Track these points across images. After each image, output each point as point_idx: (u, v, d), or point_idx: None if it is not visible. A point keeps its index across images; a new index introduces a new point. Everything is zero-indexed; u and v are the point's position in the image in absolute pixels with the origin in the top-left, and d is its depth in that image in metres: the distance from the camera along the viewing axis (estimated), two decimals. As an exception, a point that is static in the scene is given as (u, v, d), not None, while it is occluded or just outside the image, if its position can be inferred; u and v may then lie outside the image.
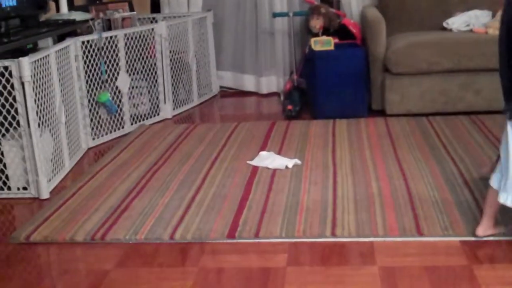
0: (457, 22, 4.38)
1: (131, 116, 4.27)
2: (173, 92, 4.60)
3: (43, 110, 3.22)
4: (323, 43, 4.28)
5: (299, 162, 3.36)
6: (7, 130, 3.14)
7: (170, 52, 4.53)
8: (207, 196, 2.98)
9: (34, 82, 3.10)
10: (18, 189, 3.20)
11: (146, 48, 4.34)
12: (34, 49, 3.63)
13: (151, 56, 4.38)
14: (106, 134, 4.07)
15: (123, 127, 4.19)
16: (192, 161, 3.50)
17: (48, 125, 3.28)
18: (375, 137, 3.74)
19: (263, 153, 3.53)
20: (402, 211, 2.69)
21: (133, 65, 4.22)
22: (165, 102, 4.52)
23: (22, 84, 3.04)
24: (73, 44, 3.72)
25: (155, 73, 4.41)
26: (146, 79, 4.35)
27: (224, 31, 5.31)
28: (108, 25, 4.37)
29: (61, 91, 3.47)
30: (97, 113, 4.02)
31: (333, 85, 4.18)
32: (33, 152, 3.12)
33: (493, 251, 2.36)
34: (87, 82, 3.87)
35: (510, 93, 2.26)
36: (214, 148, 3.71)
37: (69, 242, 2.61)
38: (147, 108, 4.42)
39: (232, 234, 2.56)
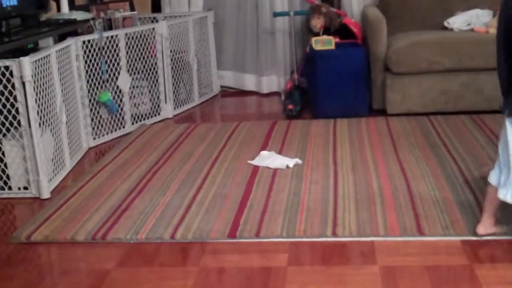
0: (458, 22, 4.38)
1: (132, 115, 4.27)
2: (174, 92, 4.60)
3: (44, 110, 3.22)
4: (324, 43, 4.28)
5: (300, 161, 3.36)
6: (8, 130, 3.14)
7: (171, 51, 4.53)
8: (208, 195, 2.98)
9: (35, 82, 3.10)
10: (19, 188, 3.21)
11: (147, 48, 4.34)
12: (35, 48, 3.63)
13: (152, 56, 4.38)
14: (107, 133, 4.07)
15: (124, 127, 4.19)
16: (193, 161, 3.50)
17: (49, 125, 3.28)
18: (376, 137, 3.74)
19: (264, 152, 3.53)
20: (403, 210, 2.68)
21: (134, 64, 4.22)
22: (166, 102, 4.52)
23: (23, 83, 3.04)
24: (74, 44, 3.73)
25: (156, 72, 4.42)
26: (147, 79, 4.35)
27: (225, 31, 5.31)
28: (109, 25, 4.37)
29: (62, 90, 3.47)
30: (98, 112, 4.02)
31: (334, 84, 4.18)
32: (34, 152, 3.12)
33: (494, 250, 2.35)
34: (88, 81, 3.87)
35: (508, 91, 2.26)
36: (215, 147, 3.71)
37: (70, 241, 2.61)
38: (148, 108, 4.42)
39: (233, 234, 2.56)
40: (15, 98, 3.06)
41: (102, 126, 4.05)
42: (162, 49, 4.41)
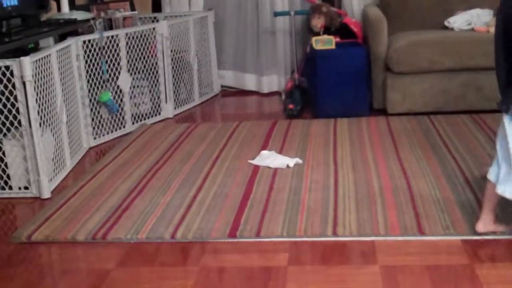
0: (458, 21, 4.37)
1: (132, 115, 4.27)
2: (174, 92, 4.60)
3: (45, 110, 3.22)
4: (324, 42, 4.28)
5: (300, 161, 3.36)
6: (8, 129, 3.14)
7: (171, 51, 4.53)
8: (208, 195, 2.98)
9: (35, 82, 3.10)
10: (20, 188, 3.21)
11: (147, 48, 4.34)
12: (36, 48, 3.63)
13: (152, 56, 4.38)
14: (107, 133, 4.08)
15: (124, 127, 4.20)
16: (193, 161, 3.50)
17: (49, 125, 3.28)
18: (376, 136, 3.74)
19: (264, 152, 3.53)
20: (404, 210, 2.68)
21: (134, 64, 4.22)
22: (166, 102, 4.52)
23: (24, 83, 3.04)
24: (74, 44, 3.73)
25: (156, 72, 4.42)
26: (147, 79, 4.35)
27: (225, 30, 5.31)
28: (109, 25, 4.38)
29: (62, 90, 3.47)
30: (98, 112, 4.02)
31: (335, 84, 4.18)
32: (35, 152, 3.12)
33: (494, 250, 2.36)
34: (88, 81, 3.87)
35: (506, 88, 2.27)
36: (215, 147, 3.71)
37: (70, 241, 2.62)
38: (148, 108, 4.42)
39: (233, 234, 2.56)
40: (15, 98, 3.06)
41: (102, 126, 4.05)
42: (163, 49, 4.41)
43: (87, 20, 4.22)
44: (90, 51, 3.86)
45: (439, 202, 2.74)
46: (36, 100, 3.12)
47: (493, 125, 3.75)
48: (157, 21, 4.75)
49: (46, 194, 3.15)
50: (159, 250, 2.50)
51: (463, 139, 3.57)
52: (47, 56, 3.28)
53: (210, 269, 2.34)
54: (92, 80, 3.90)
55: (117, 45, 4.04)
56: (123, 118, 4.18)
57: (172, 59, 4.52)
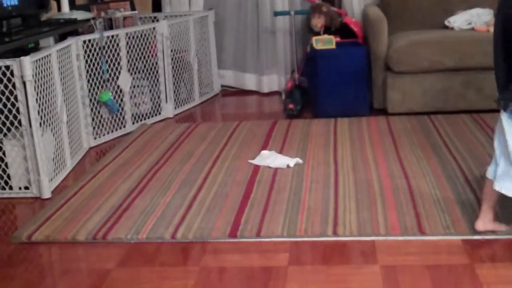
0: (458, 21, 4.37)
1: (132, 115, 4.27)
2: (174, 91, 4.60)
3: (45, 110, 3.22)
4: (324, 42, 4.28)
5: (300, 161, 3.36)
6: (8, 129, 3.14)
7: (172, 51, 4.53)
8: (209, 195, 2.98)
9: (35, 82, 3.10)
10: (20, 188, 3.21)
11: (148, 47, 4.34)
12: (36, 48, 3.63)
13: (152, 55, 4.38)
14: (108, 133, 4.07)
15: (124, 127, 4.20)
16: (193, 160, 3.50)
17: (49, 125, 3.28)
18: (376, 136, 3.74)
19: (264, 152, 3.53)
20: (404, 209, 2.68)
21: (134, 64, 4.22)
22: (166, 101, 4.52)
23: (24, 83, 3.04)
24: (75, 44, 3.72)
25: (157, 72, 4.42)
26: (147, 78, 4.35)
27: (225, 30, 5.31)
28: (110, 24, 4.37)
29: (62, 90, 3.47)
30: (99, 112, 4.02)
31: (335, 84, 4.18)
32: (35, 152, 3.12)
33: (494, 250, 2.36)
34: (88, 81, 3.87)
35: (505, 85, 2.27)
36: (216, 147, 3.71)
37: (70, 241, 2.62)
38: (148, 107, 4.42)
39: (234, 233, 2.56)
40: (15, 98, 3.06)
41: (102, 125, 4.05)
42: (163, 49, 4.41)
43: (87, 20, 4.22)
44: (90, 51, 3.86)
45: (440, 202, 2.74)
46: (37, 100, 3.12)
47: (493, 124, 3.71)
48: (157, 20, 4.75)
49: (47, 194, 3.15)
50: (160, 250, 2.50)
51: (463, 139, 3.57)
52: (47, 56, 3.28)
53: (211, 269, 2.34)
54: (92, 80, 3.90)
55: (117, 44, 4.04)
56: (123, 118, 4.18)
57: (172, 59, 4.52)
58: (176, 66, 4.60)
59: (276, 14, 4.87)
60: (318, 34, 4.49)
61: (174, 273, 2.33)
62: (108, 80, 4.01)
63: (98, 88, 3.95)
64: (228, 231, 2.58)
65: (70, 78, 3.65)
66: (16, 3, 3.62)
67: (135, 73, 4.24)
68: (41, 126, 3.17)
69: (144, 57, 4.31)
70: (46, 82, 3.26)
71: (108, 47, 3.98)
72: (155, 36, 4.37)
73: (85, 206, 2.94)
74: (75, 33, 4.03)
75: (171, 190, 3.07)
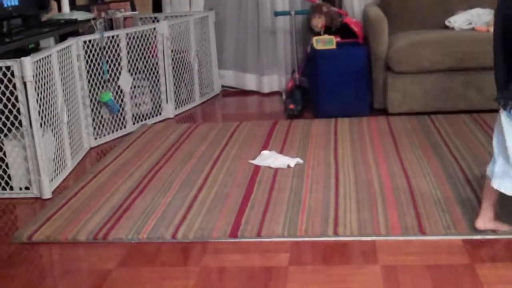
0: (459, 21, 4.37)
1: (133, 115, 4.27)
2: (175, 92, 4.60)
3: (45, 110, 3.23)
4: (325, 42, 4.28)
5: (301, 161, 3.36)
6: (9, 130, 3.15)
7: (172, 51, 4.53)
8: (209, 195, 2.98)
9: (36, 82, 3.10)
10: (21, 189, 3.21)
11: (148, 48, 4.34)
12: (36, 49, 3.63)
13: (153, 56, 4.38)
14: (108, 133, 4.08)
15: (125, 127, 4.20)
16: (194, 161, 3.50)
17: (50, 125, 3.29)
18: (377, 136, 3.74)
19: (265, 152, 3.53)
20: (404, 209, 2.68)
21: (135, 64, 4.23)
22: (167, 102, 4.52)
23: (24, 84, 3.04)
24: (75, 44, 3.73)
25: (157, 72, 4.42)
26: (148, 79, 4.35)
27: (226, 30, 5.31)
28: (110, 25, 4.38)
29: (63, 90, 3.47)
30: (99, 112, 4.02)
31: (335, 84, 4.18)
32: (35, 152, 3.12)
33: (495, 250, 2.36)
34: (89, 81, 3.87)
35: (504, 84, 2.27)
36: (216, 147, 3.72)
37: (71, 241, 2.62)
38: (149, 108, 4.42)
39: (234, 234, 2.56)
40: (16, 98, 3.06)
41: (103, 126, 4.06)
42: (163, 49, 4.41)
43: (88, 20, 4.22)
44: (90, 51, 3.86)
45: (440, 202, 2.74)
46: (37, 100, 3.12)
47: (493, 124, 3.73)
48: (158, 21, 4.75)
49: (47, 195, 3.15)
50: (160, 250, 2.50)
51: (463, 139, 3.57)
52: (47, 56, 3.28)
53: (211, 269, 2.34)
54: (93, 80, 3.90)
55: (118, 45, 4.04)
56: (123, 118, 4.18)
57: (172, 59, 4.53)
58: (177, 67, 4.61)
59: (277, 14, 4.87)
60: (318, 34, 4.49)
61: (174, 273, 2.33)
62: (109, 80, 4.01)
63: (98, 88, 3.95)
64: (229, 231, 2.58)
65: (71, 78, 3.65)
66: (17, 3, 3.62)
67: (135, 73, 4.24)
68: (42, 126, 3.17)
69: (145, 58, 4.31)
70: (47, 83, 3.26)
71: (109, 47, 3.98)
72: (155, 37, 4.38)
73: (85, 206, 2.94)
74: (76, 33, 4.03)
75: (171, 190, 3.08)
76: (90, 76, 3.88)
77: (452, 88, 4.08)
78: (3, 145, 3.16)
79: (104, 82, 3.98)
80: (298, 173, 3.21)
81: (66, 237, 2.63)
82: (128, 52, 4.13)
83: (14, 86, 3.05)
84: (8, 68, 3.03)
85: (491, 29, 4.09)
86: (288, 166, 3.29)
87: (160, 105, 4.49)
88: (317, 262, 2.35)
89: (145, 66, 4.32)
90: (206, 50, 5.09)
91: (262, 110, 4.91)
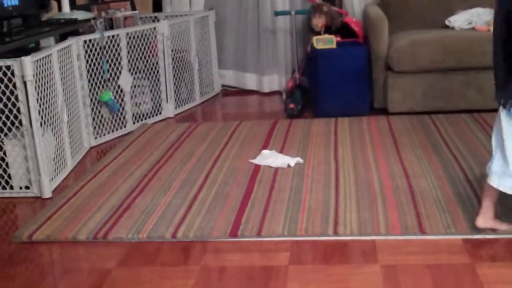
0: (459, 20, 4.37)
1: (133, 115, 4.27)
2: (175, 91, 4.60)
3: (45, 109, 3.23)
4: (325, 42, 4.28)
5: (301, 160, 3.36)
6: (9, 129, 3.15)
7: (172, 51, 4.53)
8: (209, 194, 2.98)
9: (36, 82, 3.11)
10: (21, 188, 3.21)
11: (148, 47, 4.34)
12: (36, 48, 3.63)
13: (153, 55, 4.39)
14: (108, 133, 4.08)
15: (125, 126, 4.20)
16: (194, 160, 3.50)
17: (50, 124, 3.29)
18: (377, 136, 3.74)
19: (265, 151, 3.53)
20: (404, 209, 2.68)
21: (135, 64, 4.23)
22: (167, 101, 4.52)
23: (24, 83, 3.04)
24: (75, 43, 3.73)
25: (157, 72, 4.42)
26: (148, 78, 4.35)
27: (226, 30, 5.31)
28: (110, 24, 4.38)
29: (63, 90, 3.47)
30: (99, 112, 4.02)
31: (335, 83, 4.18)
32: (35, 151, 3.12)
33: (495, 249, 2.36)
34: (89, 81, 3.87)
35: (504, 84, 2.27)
36: (216, 146, 3.72)
37: (71, 241, 2.62)
38: (149, 107, 4.42)
39: (234, 233, 2.56)
40: (16, 98, 3.06)
41: (103, 125, 4.06)
42: (164, 49, 4.41)
43: (88, 20, 4.22)
44: (91, 50, 3.86)
45: (440, 201, 2.74)
46: (37, 99, 3.12)
47: (493, 124, 3.75)
48: (158, 20, 4.75)
49: (47, 194, 3.15)
50: (160, 250, 2.50)
51: (464, 138, 3.57)
52: (48, 56, 3.28)
53: (211, 268, 2.34)
54: (93, 79, 3.90)
55: (118, 44, 4.04)
56: (124, 117, 4.18)
57: (173, 59, 4.53)
58: (177, 66, 4.60)
59: (277, 14, 4.87)
60: (318, 33, 4.49)
61: (174, 272, 2.33)
62: (109, 80, 4.01)
63: (98, 88, 3.95)
64: (229, 230, 2.59)
65: (71, 78, 3.65)
66: (17, 3, 3.62)
67: (135, 73, 4.24)
68: (42, 126, 3.17)
69: (145, 57, 4.31)
70: (47, 82, 3.26)
71: (109, 47, 3.98)
72: (155, 36, 4.37)
73: (85, 205, 2.95)
74: (76, 33, 4.03)
75: (171, 189, 3.08)
76: (90, 75, 3.88)
77: (452, 87, 4.08)
78: (3, 144, 3.16)
79: (104, 81, 3.98)
80: (298, 172, 3.21)
81: (66, 236, 2.64)
82: (128, 52, 4.13)
83: (14, 86, 3.05)
84: (8, 67, 3.03)
85: (491, 28, 4.12)
86: (288, 166, 3.29)
87: (160, 105, 4.49)
88: (317, 261, 2.35)
89: (145, 66, 4.32)
90: (206, 49, 5.09)
91: (262, 110, 4.91)
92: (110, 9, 4.54)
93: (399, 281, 2.16)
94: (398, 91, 4.13)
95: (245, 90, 5.31)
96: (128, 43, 4.14)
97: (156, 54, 4.40)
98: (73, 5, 4.42)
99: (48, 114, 3.26)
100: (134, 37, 4.22)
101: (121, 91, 4.13)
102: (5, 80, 3.05)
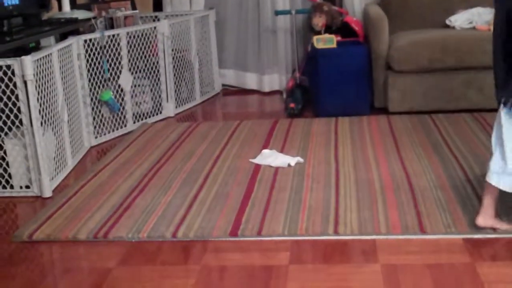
0: (459, 20, 4.37)
1: (133, 114, 4.27)
2: (175, 91, 4.60)
3: (46, 109, 3.23)
4: (325, 41, 4.28)
5: (301, 160, 3.36)
6: (9, 128, 3.15)
7: (173, 50, 4.53)
8: (210, 194, 2.98)
9: (36, 81, 3.11)
10: (21, 187, 3.21)
11: (149, 47, 4.34)
12: (37, 47, 3.63)
13: (153, 55, 4.39)
14: (109, 132, 4.08)
15: (125, 126, 4.20)
16: (194, 159, 3.50)
17: (50, 124, 3.29)
18: (377, 135, 3.74)
19: (265, 151, 3.53)
20: (405, 208, 2.68)
21: (135, 63, 4.23)
22: (167, 101, 4.52)
23: (25, 82, 3.04)
24: (76, 43, 3.73)
25: (158, 71, 4.42)
26: (148, 78, 4.35)
27: (226, 29, 5.31)
28: (111, 24, 4.38)
29: (63, 89, 3.47)
30: (100, 111, 4.02)
31: (336, 83, 4.18)
32: (36, 151, 3.12)
33: (495, 248, 2.36)
34: (89, 80, 3.87)
35: (504, 84, 2.27)
36: (217, 146, 3.72)
37: (71, 240, 2.62)
38: (149, 107, 4.42)
39: (235, 232, 2.56)
40: (17, 97, 3.06)
41: (103, 125, 4.06)
42: (164, 48, 4.41)
43: (88, 19, 4.22)
44: (91, 50, 3.86)
45: (440, 201, 2.74)
46: (38, 99, 3.12)
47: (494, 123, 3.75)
48: (158, 20, 4.76)
49: (47, 193, 3.15)
50: (161, 249, 2.50)
51: (464, 138, 3.57)
52: (48, 55, 3.28)
53: (212, 268, 2.34)
54: (93, 79, 3.90)
55: (118, 44, 4.04)
56: (124, 117, 4.18)
57: (173, 58, 4.52)
58: (177, 65, 4.60)
59: (277, 13, 4.87)
60: (319, 33, 4.49)
61: (175, 272, 2.33)
62: (109, 79, 4.01)
63: (99, 87, 3.95)
64: (229, 230, 2.59)
65: (71, 77, 3.65)
66: (17, 2, 3.62)
67: (136, 72, 4.24)
68: (42, 125, 3.17)
69: (145, 56, 4.31)
70: (47, 82, 3.26)
71: (109, 46, 3.98)
72: (156, 36, 4.37)
73: (86, 205, 2.95)
74: (76, 32, 4.03)
75: (172, 189, 3.08)
76: (91, 75, 3.88)
77: (453, 87, 4.07)
78: (4, 143, 3.16)
79: (105, 81, 3.98)
80: (299, 172, 3.21)
81: (66, 235, 2.64)
82: (128, 51, 4.13)
83: (15, 85, 3.05)
84: (8, 67, 3.03)
85: (492, 28, 4.12)
86: (289, 165, 3.29)
87: (160, 104, 4.49)
88: (318, 261, 2.35)
89: (146, 65, 4.32)
90: (207, 49, 5.09)
91: (262, 109, 4.90)
92: (111, 9, 4.54)
93: (399, 281, 2.16)
94: (398, 90, 4.13)
95: (245, 89, 5.31)
96: (128, 42, 4.14)
97: (157, 54, 4.40)
98: (74, 5, 4.42)
99: (49, 113, 3.26)
100: (134, 37, 4.22)
101: (122, 90, 4.13)
102: (6, 79, 3.05)
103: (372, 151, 3.46)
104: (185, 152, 3.64)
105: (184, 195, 2.98)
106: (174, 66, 4.55)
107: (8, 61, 3.02)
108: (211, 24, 5.08)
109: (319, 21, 4.52)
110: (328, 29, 4.52)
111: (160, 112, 4.50)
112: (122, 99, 4.14)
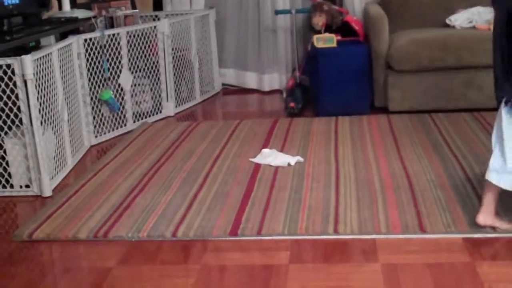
0: (459, 19, 4.37)
1: (133, 113, 4.27)
2: (175, 90, 4.60)
3: (46, 108, 3.23)
4: (325, 40, 4.28)
5: (301, 159, 3.36)
6: (9, 128, 3.15)
7: (173, 49, 4.53)
8: (210, 193, 2.98)
9: (36, 80, 3.10)
10: (21, 187, 3.21)
11: (149, 46, 4.34)
12: (37, 47, 3.63)
13: (153, 54, 4.38)
14: (109, 131, 4.08)
15: (125, 125, 4.20)
16: (194, 159, 3.50)
17: (50, 123, 3.29)
18: (377, 134, 3.74)
19: (265, 150, 3.53)
20: (405, 208, 2.68)
21: (135, 62, 4.22)
22: (167, 100, 4.52)
23: (25, 82, 3.04)
24: (76, 42, 3.73)
25: (158, 70, 4.42)
26: (148, 77, 4.35)
27: (226, 29, 5.31)
28: (111, 23, 4.38)
29: (63, 89, 3.47)
30: (100, 110, 4.02)
31: (336, 82, 4.18)
32: (36, 150, 3.12)
33: (495, 248, 2.36)
34: (89, 80, 3.87)
35: (503, 83, 2.28)
36: (217, 145, 3.71)
37: (71, 239, 2.62)
38: (149, 106, 4.42)
39: (235, 232, 2.56)
40: (17, 96, 3.06)
41: (103, 124, 4.06)
42: (164, 47, 4.41)
43: (88, 19, 4.22)
44: (91, 49, 3.86)
45: (440, 200, 2.74)
46: (38, 98, 3.12)
47: (494, 123, 3.74)
48: (158, 19, 4.76)
49: (47, 193, 3.15)
50: (161, 248, 2.50)
51: (464, 137, 3.57)
52: (48, 54, 3.28)
53: (211, 267, 2.34)
54: (94, 78, 3.90)
55: (118, 43, 4.04)
56: (124, 116, 4.18)
57: (173, 57, 4.52)
58: (177, 65, 4.60)
59: (277, 12, 4.87)
60: (319, 32, 4.49)
61: (175, 271, 2.33)
62: (109, 78, 4.01)
63: (99, 86, 3.95)
64: (229, 229, 2.59)
65: (71, 76, 3.65)
66: (17, 1, 3.62)
67: (136, 71, 4.24)
68: (42, 124, 3.17)
69: (145, 56, 4.31)
70: (47, 81, 3.26)
71: (109, 45, 3.98)
72: (156, 35, 4.37)
73: (86, 204, 2.95)
74: (76, 31, 4.03)
75: (172, 188, 3.08)
76: (91, 74, 3.88)
77: (453, 86, 4.07)
78: (4, 143, 3.16)
79: (105, 80, 3.98)
80: (299, 171, 3.21)
81: (66, 235, 2.64)
82: (128, 50, 4.13)
83: (15, 84, 3.05)
84: (8, 66, 3.03)
85: (492, 27, 4.12)
86: (289, 165, 3.29)
87: (160, 103, 4.49)
88: (318, 260, 2.35)
89: (146, 64, 4.32)
90: (207, 48, 5.09)
91: (262, 108, 4.90)
92: (111, 8, 4.54)
93: (399, 280, 2.16)
94: (398, 90, 4.13)
95: (245, 88, 5.31)
96: (128, 41, 4.14)
97: (157, 53, 4.40)
98: (74, 4, 4.42)
99: (49, 112, 3.26)
100: (134, 36, 4.22)
101: (122, 89, 4.13)
102: (6, 78, 3.05)
103: (372, 150, 3.46)
104: (185, 152, 3.64)
105: (184, 195, 2.98)
106: (174, 66, 4.55)
107: (8, 60, 3.02)
108: (211, 23, 5.08)
109: (319, 20, 4.52)
110: (328, 28, 4.52)
111: (160, 112, 4.50)
112: (122, 98, 4.14)
